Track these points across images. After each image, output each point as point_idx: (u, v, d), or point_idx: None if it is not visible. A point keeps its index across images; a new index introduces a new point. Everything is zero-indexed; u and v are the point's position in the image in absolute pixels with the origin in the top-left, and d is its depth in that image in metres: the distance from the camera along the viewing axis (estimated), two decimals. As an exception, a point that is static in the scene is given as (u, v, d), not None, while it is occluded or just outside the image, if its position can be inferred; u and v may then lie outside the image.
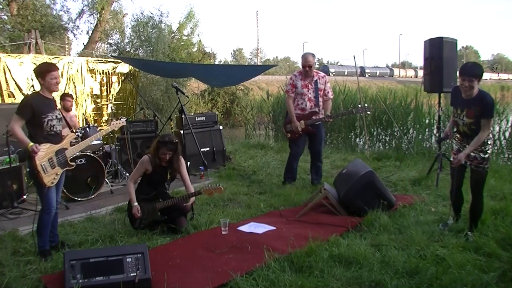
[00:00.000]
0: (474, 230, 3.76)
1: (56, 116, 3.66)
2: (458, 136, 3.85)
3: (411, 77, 53.69)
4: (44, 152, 3.50)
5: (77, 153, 5.56)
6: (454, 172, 3.88)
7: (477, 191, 3.78)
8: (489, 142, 3.72)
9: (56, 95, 7.37)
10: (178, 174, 4.35)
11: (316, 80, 5.62)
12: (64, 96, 6.21)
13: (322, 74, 5.83)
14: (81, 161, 5.54)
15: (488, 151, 3.71)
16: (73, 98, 6.41)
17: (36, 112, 3.49)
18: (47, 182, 3.51)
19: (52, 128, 3.59)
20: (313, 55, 5.66)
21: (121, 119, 4.41)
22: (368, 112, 5.94)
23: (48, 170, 3.53)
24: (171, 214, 4.16)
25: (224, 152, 7.61)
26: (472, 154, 3.67)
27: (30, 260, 3.48)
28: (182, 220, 4.20)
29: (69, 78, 7.71)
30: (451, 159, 3.91)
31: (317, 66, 73.19)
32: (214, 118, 7.78)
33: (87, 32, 17.57)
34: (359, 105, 5.96)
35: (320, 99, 5.63)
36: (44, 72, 3.56)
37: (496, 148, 7.44)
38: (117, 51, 16.98)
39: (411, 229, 3.82)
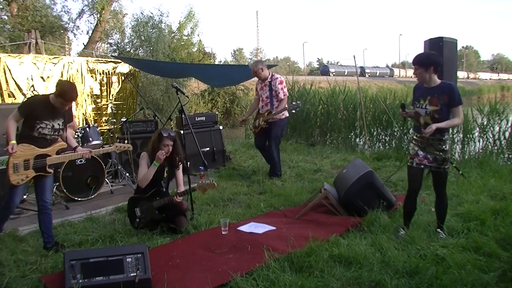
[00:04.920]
0: (443, 226, 3.84)
1: (53, 126, 3.65)
2: (417, 136, 3.76)
3: (411, 77, 53.50)
4: (23, 152, 3.51)
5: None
6: (412, 175, 3.85)
7: (440, 192, 3.80)
8: (446, 141, 3.66)
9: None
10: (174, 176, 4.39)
11: (270, 82, 6.19)
12: None
13: (276, 76, 6.29)
14: (81, 161, 5.55)
15: (447, 151, 3.67)
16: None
17: (33, 115, 3.54)
18: (12, 180, 3.51)
19: (39, 134, 3.60)
20: (256, 63, 6.37)
21: (127, 144, 4.41)
22: (298, 108, 6.49)
23: (20, 170, 3.53)
24: (169, 212, 4.18)
25: (224, 152, 7.61)
26: (431, 155, 3.64)
27: (30, 260, 3.48)
28: (182, 220, 4.20)
29: (69, 78, 7.69)
30: (408, 163, 3.85)
31: (317, 66, 73.42)
32: (214, 118, 7.78)
33: (87, 32, 17.60)
34: (293, 102, 6.47)
35: (274, 99, 6.17)
36: (60, 94, 3.55)
37: (496, 148, 7.44)
38: (117, 51, 16.98)
39: (411, 229, 3.82)
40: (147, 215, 4.14)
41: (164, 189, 4.33)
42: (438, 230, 3.80)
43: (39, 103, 3.61)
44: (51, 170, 3.76)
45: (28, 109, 3.56)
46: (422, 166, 3.71)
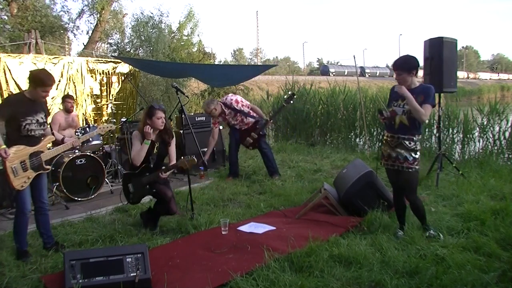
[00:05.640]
0: (428, 225, 3.86)
1: (38, 120, 3.57)
2: (388, 135, 3.77)
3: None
4: (16, 154, 3.43)
5: (77, 153, 5.57)
6: (389, 176, 3.90)
7: (411, 194, 3.76)
8: (418, 142, 3.66)
9: (55, 96, 7.42)
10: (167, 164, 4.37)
11: (230, 108, 6.31)
12: (65, 98, 6.22)
13: (228, 101, 6.37)
14: (81, 161, 5.55)
15: (418, 152, 3.67)
16: (73, 99, 6.40)
17: (15, 114, 3.44)
18: (16, 185, 3.44)
19: (29, 132, 3.52)
20: (207, 104, 6.37)
21: (110, 124, 4.41)
22: (294, 96, 6.54)
23: (19, 173, 3.45)
24: (155, 186, 4.21)
25: (224, 152, 7.61)
26: (403, 154, 3.65)
27: (30, 260, 3.49)
28: (172, 204, 4.22)
29: (69, 78, 7.71)
30: (383, 165, 3.87)
31: (317, 66, 73.41)
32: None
33: (87, 32, 17.57)
34: (285, 96, 6.47)
35: (249, 114, 6.37)
36: (39, 83, 3.47)
37: (496, 148, 7.44)
38: (117, 51, 16.97)
39: (411, 229, 3.83)
40: (138, 190, 4.25)
41: (152, 165, 4.30)
42: (428, 232, 3.79)
43: (16, 101, 3.52)
44: (48, 167, 3.72)
45: (7, 110, 3.45)
46: (396, 167, 3.73)
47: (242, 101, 6.43)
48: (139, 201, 4.41)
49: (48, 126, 3.76)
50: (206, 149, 7.15)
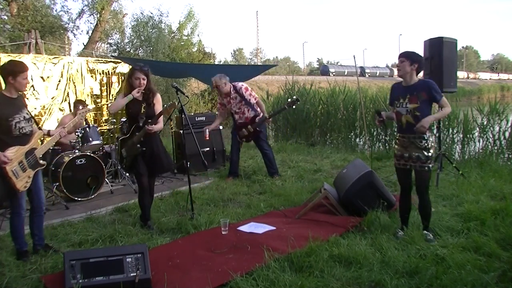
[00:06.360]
0: (433, 229, 3.85)
1: (24, 116, 3.51)
2: (400, 136, 3.78)
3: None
4: (13, 155, 3.38)
5: (77, 153, 5.57)
6: (399, 175, 3.90)
7: (422, 193, 3.76)
8: (430, 139, 3.66)
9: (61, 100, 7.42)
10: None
11: (237, 93, 6.27)
12: (77, 103, 6.25)
13: (239, 86, 6.32)
14: (81, 161, 5.54)
15: (431, 150, 3.66)
16: (85, 105, 6.39)
17: (3, 116, 3.36)
18: (20, 187, 3.41)
19: (20, 130, 3.47)
20: (220, 77, 6.24)
21: (87, 106, 4.39)
22: (298, 102, 6.57)
23: (20, 174, 3.41)
24: (146, 144, 4.21)
25: (224, 152, 7.61)
26: (415, 154, 3.65)
27: (30, 260, 3.49)
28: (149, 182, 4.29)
29: (69, 78, 7.70)
30: (395, 164, 3.88)
31: (317, 66, 73.43)
32: (214, 118, 7.77)
33: (87, 32, 17.62)
34: (289, 99, 6.50)
35: (254, 106, 6.32)
36: (17, 72, 3.40)
37: (496, 148, 7.44)
38: (117, 51, 17.01)
39: (411, 229, 3.82)
40: (130, 152, 4.25)
41: (141, 124, 4.22)
42: (425, 231, 3.79)
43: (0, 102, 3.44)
44: (44, 162, 3.69)
45: None
46: (408, 167, 3.73)
47: (251, 91, 6.40)
48: (132, 165, 4.28)
49: (34, 122, 3.70)
50: (206, 149, 7.18)
